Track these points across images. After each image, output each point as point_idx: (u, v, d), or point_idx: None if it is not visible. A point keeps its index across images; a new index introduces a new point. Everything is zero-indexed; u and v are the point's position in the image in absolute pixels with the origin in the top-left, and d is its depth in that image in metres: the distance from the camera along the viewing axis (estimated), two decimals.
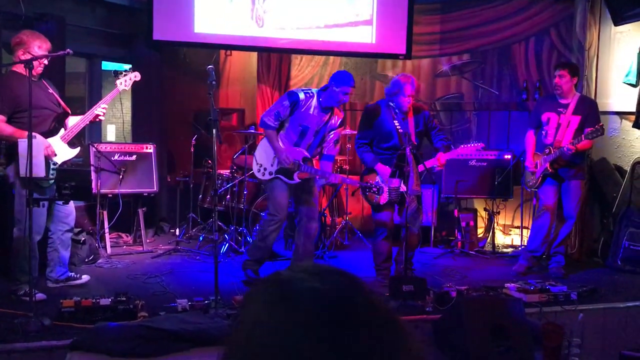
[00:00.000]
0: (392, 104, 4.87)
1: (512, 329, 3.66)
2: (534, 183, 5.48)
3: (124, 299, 3.97)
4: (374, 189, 4.66)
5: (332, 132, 4.94)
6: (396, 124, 4.54)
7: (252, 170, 6.28)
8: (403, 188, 4.73)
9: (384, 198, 4.85)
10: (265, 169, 4.94)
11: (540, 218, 5.51)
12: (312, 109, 4.84)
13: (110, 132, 9.61)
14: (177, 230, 6.69)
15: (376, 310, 0.84)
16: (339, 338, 0.77)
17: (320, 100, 4.84)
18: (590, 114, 5.32)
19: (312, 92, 4.87)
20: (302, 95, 4.82)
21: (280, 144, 4.86)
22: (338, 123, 4.97)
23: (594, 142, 5.97)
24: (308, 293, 0.83)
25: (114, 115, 8.38)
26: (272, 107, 5.00)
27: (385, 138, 4.93)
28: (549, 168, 5.33)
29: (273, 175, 4.89)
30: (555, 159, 5.28)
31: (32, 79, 3.82)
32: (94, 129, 6.86)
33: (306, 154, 4.89)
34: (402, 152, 4.64)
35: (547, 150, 5.35)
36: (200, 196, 6.53)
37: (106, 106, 4.57)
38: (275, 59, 7.71)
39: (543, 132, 5.46)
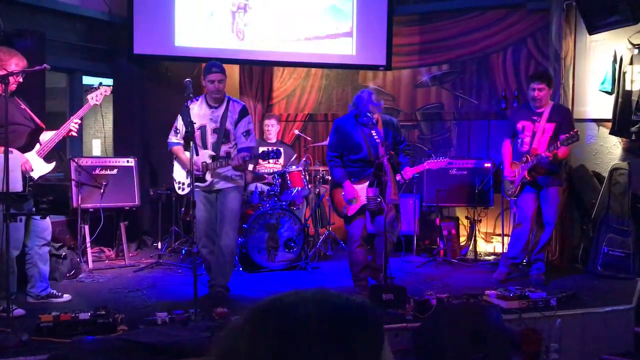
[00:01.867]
0: (358, 119, 4.89)
1: (490, 336, 3.69)
2: (513, 191, 5.53)
3: (104, 313, 3.96)
4: (272, 154, 4.66)
5: (238, 124, 4.84)
6: (373, 133, 4.56)
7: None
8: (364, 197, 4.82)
9: (352, 210, 4.86)
10: (183, 184, 4.96)
11: (519, 226, 5.56)
12: (197, 109, 4.81)
13: (96, 147, 9.61)
14: (160, 244, 6.67)
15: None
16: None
17: (206, 98, 4.87)
18: (565, 121, 5.40)
19: (198, 96, 4.89)
20: (189, 103, 4.68)
21: (186, 155, 4.80)
22: (238, 112, 4.86)
23: (572, 149, 6.07)
24: (304, 320, 0.88)
25: (98, 130, 8.39)
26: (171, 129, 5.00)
27: (355, 150, 4.92)
28: (527, 176, 5.39)
29: (191, 187, 4.66)
30: (533, 166, 5.34)
31: (5, 95, 3.82)
32: (74, 144, 6.85)
33: (212, 152, 4.80)
34: (379, 161, 4.68)
35: (524, 159, 5.41)
36: (183, 209, 6.53)
37: (79, 121, 4.58)
38: (257, 71, 7.75)
39: (519, 141, 5.53)
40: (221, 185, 4.83)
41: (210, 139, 4.83)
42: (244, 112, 4.91)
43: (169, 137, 4.98)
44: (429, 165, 5.17)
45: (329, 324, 0.87)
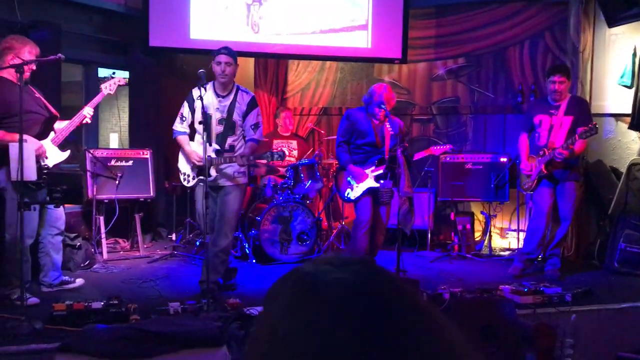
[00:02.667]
0: (369, 112, 5.04)
1: (502, 330, 3.64)
2: (530, 186, 5.47)
3: (116, 302, 3.98)
4: (276, 155, 4.51)
5: (247, 116, 4.68)
6: (387, 126, 4.58)
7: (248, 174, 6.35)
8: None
9: (354, 194, 4.94)
10: (188, 175, 4.78)
11: (535, 220, 5.50)
12: (206, 98, 4.59)
13: (113, 140, 9.66)
14: (174, 236, 6.70)
15: (409, 302, 0.77)
16: (371, 331, 0.71)
17: (214, 85, 4.69)
18: (582, 113, 5.32)
19: (206, 84, 4.62)
20: (195, 91, 4.60)
21: (190, 147, 4.71)
22: (247, 104, 4.69)
23: (589, 144, 6.00)
24: (335, 285, 0.76)
25: (115, 123, 8.42)
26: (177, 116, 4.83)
27: (362, 135, 5.08)
28: (543, 170, 5.32)
29: (196, 179, 4.69)
30: (550, 160, 5.27)
31: (19, 84, 3.84)
32: (91, 136, 6.89)
33: (216, 146, 4.62)
34: (392, 154, 4.67)
35: (541, 152, 5.34)
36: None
37: (91, 109, 4.60)
38: (272, 64, 7.73)
39: (536, 135, 5.46)
40: (223, 182, 4.67)
41: (215, 130, 4.65)
42: (253, 104, 4.75)
43: (174, 124, 4.82)
44: (433, 151, 5.21)
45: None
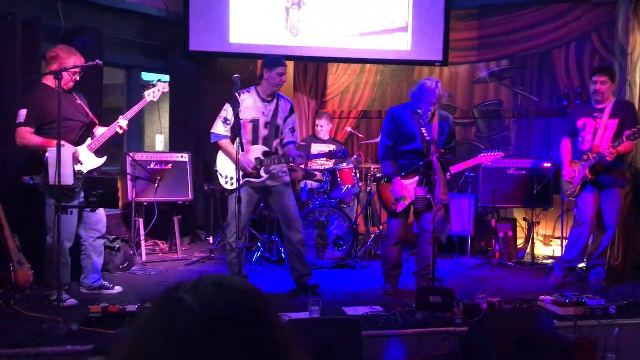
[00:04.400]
0: (419, 111, 4.73)
1: (540, 343, 3.52)
2: (573, 192, 5.29)
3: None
4: (339, 153, 4.69)
5: (287, 120, 4.90)
6: (423, 131, 4.46)
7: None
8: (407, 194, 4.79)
9: (401, 206, 4.79)
10: (232, 178, 4.73)
11: (578, 227, 5.31)
12: (252, 102, 4.78)
13: (159, 142, 9.82)
14: (212, 239, 6.75)
15: (258, 327, 0.89)
16: (210, 352, 0.82)
17: (258, 90, 4.82)
18: (629, 116, 5.13)
19: (249, 88, 4.83)
20: (240, 94, 4.72)
21: (235, 152, 4.60)
22: (289, 109, 4.92)
23: (637, 149, 5.77)
24: (181, 308, 0.88)
25: (162, 125, 8.55)
26: (216, 119, 4.86)
27: (408, 140, 4.82)
28: (588, 175, 5.14)
29: (242, 181, 4.63)
30: (594, 164, 5.10)
31: (61, 90, 3.92)
32: (133, 138, 7.00)
33: (265, 148, 4.80)
34: (429, 160, 4.56)
35: (585, 157, 5.17)
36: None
37: (126, 121, 4.64)
38: (311, 68, 7.72)
39: (580, 139, 5.28)
40: (272, 182, 4.84)
41: (262, 133, 4.81)
42: (293, 109, 4.98)
43: (215, 127, 4.84)
44: (482, 159, 5.01)
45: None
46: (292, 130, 4.94)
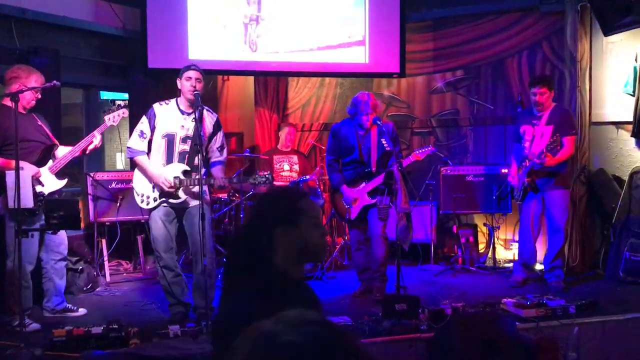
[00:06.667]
0: (356, 123, 5.06)
1: (504, 345, 3.61)
2: (519, 196, 5.54)
3: (116, 326, 3.98)
4: (264, 178, 4.40)
5: (214, 137, 4.58)
6: (383, 142, 4.57)
7: (249, 192, 6.35)
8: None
9: (354, 212, 4.95)
10: (148, 197, 4.51)
11: (521, 233, 5.64)
12: (169, 115, 4.47)
13: (120, 160, 9.70)
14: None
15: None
16: None
17: (177, 102, 4.53)
18: (563, 122, 5.36)
19: (167, 100, 4.57)
20: (156, 106, 4.51)
21: (153, 169, 4.45)
22: (214, 123, 4.59)
23: (592, 152, 6.00)
24: (286, 347, 0.88)
25: (122, 143, 8.46)
26: (133, 133, 4.59)
27: (347, 152, 5.10)
28: (526, 180, 5.39)
29: (158, 201, 4.46)
30: (530, 170, 5.36)
31: (22, 112, 3.88)
32: (94, 157, 6.91)
33: (185, 166, 4.46)
34: (389, 170, 4.67)
35: (523, 163, 5.40)
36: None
37: (95, 139, 4.59)
38: (272, 82, 7.77)
39: (522, 145, 5.52)
40: (190, 201, 4.50)
41: (178, 148, 4.46)
42: (219, 125, 4.65)
43: (131, 142, 4.52)
44: (415, 156, 5.05)
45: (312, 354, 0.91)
46: (220, 148, 4.62)
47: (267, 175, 4.42)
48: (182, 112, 4.50)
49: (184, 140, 4.47)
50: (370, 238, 5.09)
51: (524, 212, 5.59)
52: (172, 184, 4.38)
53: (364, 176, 5.05)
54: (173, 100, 4.57)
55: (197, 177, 4.32)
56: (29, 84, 4.26)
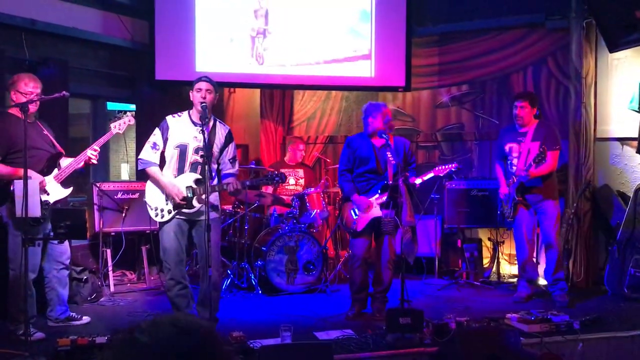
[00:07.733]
0: (384, 135, 4.96)
1: None
2: (509, 213, 5.56)
3: None
4: (277, 177, 4.37)
5: (225, 149, 4.55)
6: (388, 155, 4.58)
7: (254, 204, 6.37)
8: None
9: (360, 224, 4.89)
10: (162, 210, 4.47)
11: (518, 250, 5.66)
12: (181, 126, 4.48)
13: (125, 171, 9.74)
14: None
15: None
16: None
17: (190, 114, 4.52)
18: (548, 137, 5.42)
19: (180, 112, 4.55)
20: (169, 118, 4.52)
21: (166, 179, 4.45)
22: (225, 135, 4.57)
23: (596, 168, 6.01)
24: (137, 348, 1.02)
25: (127, 154, 8.51)
26: (145, 144, 4.56)
27: (363, 162, 5.03)
28: (516, 197, 5.45)
29: (173, 213, 4.43)
30: (518, 186, 5.41)
31: (27, 120, 3.91)
32: (100, 168, 6.95)
33: (197, 175, 4.43)
34: (394, 183, 4.67)
35: (511, 180, 5.45)
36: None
37: (98, 149, 4.60)
38: (278, 95, 7.82)
39: (509, 163, 5.61)
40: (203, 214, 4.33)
41: (191, 158, 4.45)
42: (230, 137, 4.64)
43: (143, 154, 4.51)
44: (437, 171, 5.20)
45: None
46: (232, 160, 4.61)
47: (279, 174, 4.43)
48: (195, 124, 4.48)
49: (196, 151, 4.46)
50: (378, 259, 5.02)
51: (517, 229, 5.62)
52: (184, 196, 4.38)
53: (377, 188, 4.97)
54: (185, 112, 4.57)
55: (213, 186, 4.33)
56: (20, 89, 4.28)
